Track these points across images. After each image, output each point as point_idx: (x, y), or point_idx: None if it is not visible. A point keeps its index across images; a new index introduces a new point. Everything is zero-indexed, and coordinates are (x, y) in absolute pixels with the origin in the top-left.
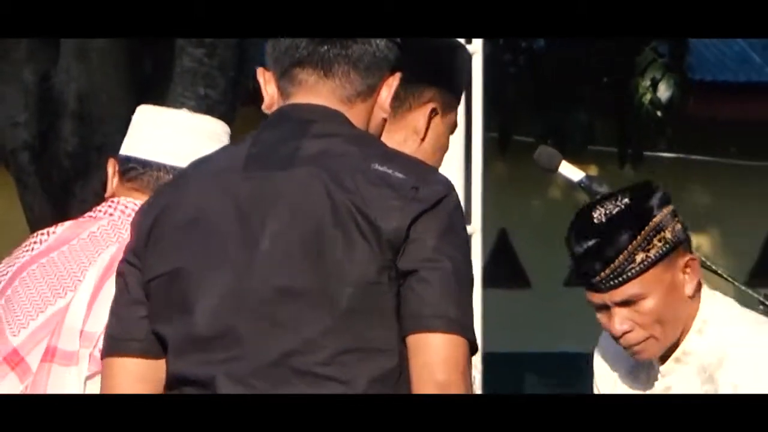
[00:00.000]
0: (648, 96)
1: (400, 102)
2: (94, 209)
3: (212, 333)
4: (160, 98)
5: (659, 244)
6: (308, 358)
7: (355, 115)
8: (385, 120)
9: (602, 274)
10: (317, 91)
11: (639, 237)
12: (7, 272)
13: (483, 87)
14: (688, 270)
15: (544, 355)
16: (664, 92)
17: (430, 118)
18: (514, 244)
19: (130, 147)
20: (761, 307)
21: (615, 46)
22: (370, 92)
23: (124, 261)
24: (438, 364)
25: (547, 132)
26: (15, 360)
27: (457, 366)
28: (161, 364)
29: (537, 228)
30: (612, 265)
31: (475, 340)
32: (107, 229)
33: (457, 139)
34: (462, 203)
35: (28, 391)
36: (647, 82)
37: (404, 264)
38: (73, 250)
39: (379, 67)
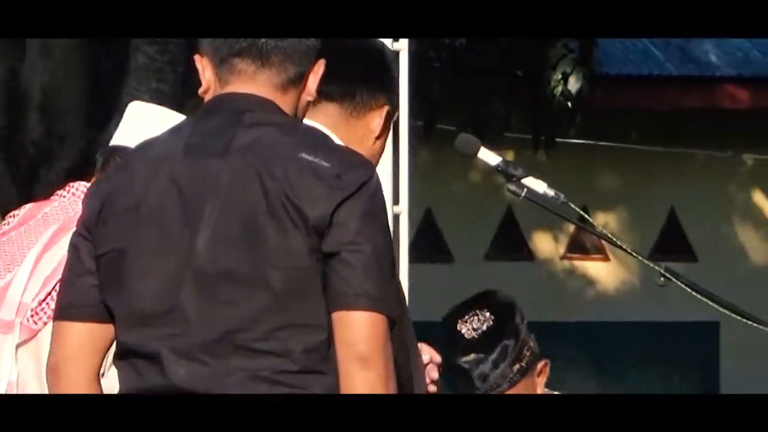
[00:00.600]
0: (559, 88)
1: (361, 102)
2: (55, 192)
3: (158, 310)
4: (116, 92)
5: (528, 354)
6: (247, 335)
7: (287, 100)
8: (309, 103)
9: (482, 387)
10: (254, 80)
11: (514, 352)
12: None
13: (409, 80)
14: (542, 374)
15: None
16: (573, 84)
17: (385, 120)
18: (438, 223)
19: (120, 138)
20: (662, 279)
21: (529, 43)
22: (300, 79)
23: (78, 234)
24: (360, 339)
25: (467, 121)
26: None
27: (377, 340)
28: (110, 328)
29: (459, 208)
30: (490, 380)
31: (394, 315)
32: (57, 210)
33: None
34: (391, 186)
35: None
36: (558, 76)
37: (328, 247)
38: (28, 230)
39: (309, 56)
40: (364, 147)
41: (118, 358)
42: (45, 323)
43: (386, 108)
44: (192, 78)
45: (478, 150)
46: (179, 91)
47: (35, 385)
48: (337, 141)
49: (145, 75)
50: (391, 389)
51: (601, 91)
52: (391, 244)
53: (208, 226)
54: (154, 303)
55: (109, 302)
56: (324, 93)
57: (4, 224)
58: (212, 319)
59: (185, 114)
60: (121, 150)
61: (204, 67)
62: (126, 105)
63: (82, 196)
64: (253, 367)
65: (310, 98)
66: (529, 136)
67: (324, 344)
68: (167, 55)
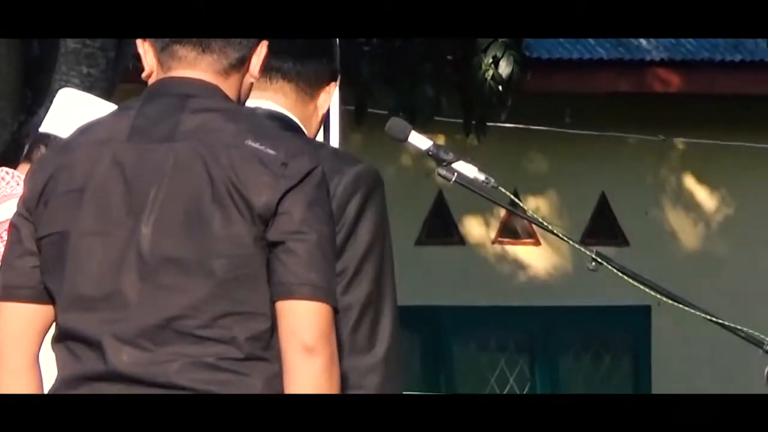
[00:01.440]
0: (490, 72)
1: (314, 80)
2: None
3: (99, 294)
4: (47, 76)
5: None
6: (190, 322)
7: (230, 84)
8: (252, 85)
9: None
10: (196, 65)
11: None
12: None
13: (340, 65)
14: None
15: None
16: (504, 68)
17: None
18: None
19: (48, 125)
20: (593, 263)
21: None
22: (242, 63)
23: (18, 214)
24: (304, 328)
25: (398, 105)
26: None
27: (321, 329)
28: (51, 309)
29: (390, 192)
30: None
31: (337, 305)
32: None
33: None
34: None
35: None
36: (489, 60)
37: (273, 236)
38: None
39: (249, 40)
40: (313, 124)
41: (56, 341)
42: None
43: (333, 84)
44: (122, 63)
45: (408, 134)
46: (110, 76)
47: None
48: (297, 122)
49: (75, 60)
50: (335, 379)
51: (532, 75)
52: (335, 234)
53: (153, 212)
54: (95, 286)
55: (50, 284)
56: (280, 71)
57: None
58: (154, 305)
59: (115, 99)
60: (47, 137)
61: (146, 51)
62: (57, 90)
63: (11, 182)
64: (197, 353)
65: (253, 80)
66: (460, 120)
67: (267, 332)
68: (98, 41)
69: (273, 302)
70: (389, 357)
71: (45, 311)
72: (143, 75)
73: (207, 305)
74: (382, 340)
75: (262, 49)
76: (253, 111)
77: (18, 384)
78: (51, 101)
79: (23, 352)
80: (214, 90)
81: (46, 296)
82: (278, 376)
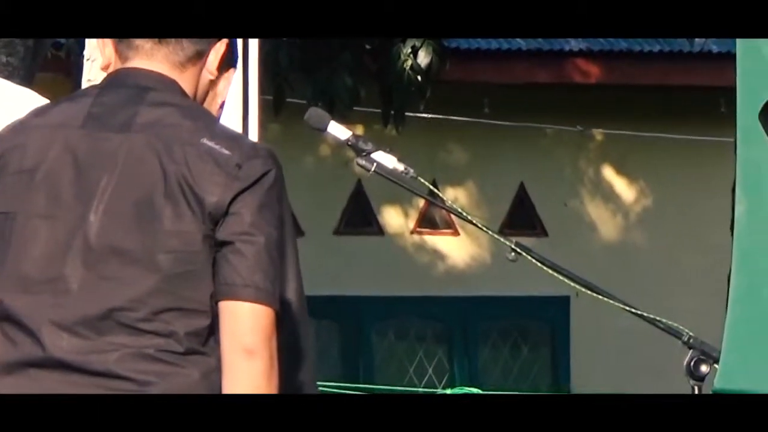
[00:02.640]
0: (409, 62)
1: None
2: None
3: (41, 278)
4: None
5: None
6: (132, 314)
7: (187, 78)
8: (211, 81)
9: None
10: (153, 56)
11: None
12: None
13: (258, 54)
14: None
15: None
16: (423, 59)
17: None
18: (291, 199)
19: None
20: (512, 253)
21: None
22: (199, 57)
23: None
24: (246, 330)
25: (317, 95)
26: None
27: (263, 332)
28: None
29: (309, 182)
30: None
31: (278, 308)
32: None
33: (234, 101)
34: None
35: None
36: (408, 50)
37: (222, 235)
38: None
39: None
40: (211, 109)
41: None
42: None
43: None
44: (41, 52)
45: (328, 124)
46: (29, 64)
47: None
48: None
49: None
50: (274, 382)
51: (451, 64)
52: (283, 238)
53: (102, 201)
54: (37, 270)
55: None
56: None
57: None
58: (96, 294)
59: (34, 87)
60: None
61: (104, 44)
62: None
63: None
64: (137, 345)
65: (211, 77)
66: (378, 110)
67: (207, 329)
68: None
69: (216, 301)
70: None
71: None
72: (100, 66)
73: (150, 299)
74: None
75: (221, 46)
76: (207, 111)
77: None
78: None
79: None
80: (171, 84)
81: None
82: (215, 370)
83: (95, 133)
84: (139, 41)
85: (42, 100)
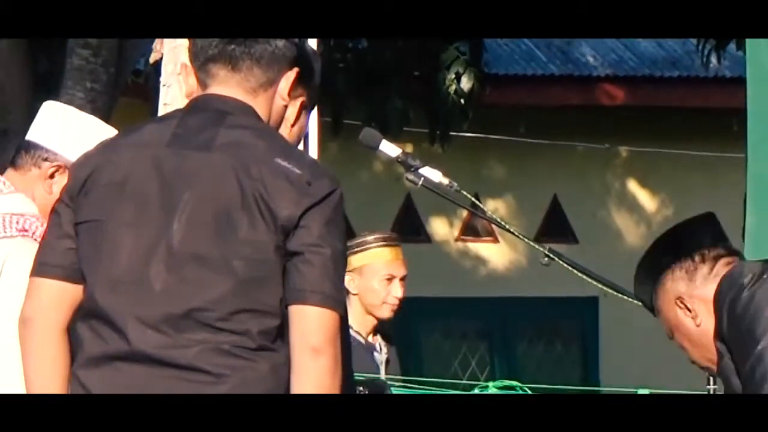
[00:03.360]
0: (453, 87)
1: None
2: None
3: (128, 279)
4: (54, 90)
5: None
6: (210, 314)
7: (260, 103)
8: (285, 106)
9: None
10: (227, 83)
11: None
12: None
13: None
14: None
15: None
16: (465, 83)
17: (299, 110)
18: (348, 210)
19: (31, 134)
20: (546, 258)
21: (425, 46)
22: (270, 84)
23: (60, 201)
24: (313, 331)
25: (371, 117)
26: None
27: (328, 333)
28: (80, 290)
29: (364, 195)
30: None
31: (344, 313)
32: None
33: None
34: None
35: None
36: (452, 76)
37: (293, 246)
38: None
39: (278, 63)
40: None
41: (80, 320)
42: None
43: (300, 100)
44: (122, 79)
45: (380, 143)
46: (111, 90)
47: None
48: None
49: (80, 75)
50: (338, 379)
51: (490, 89)
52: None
53: (185, 211)
54: (124, 272)
55: (84, 267)
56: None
57: None
58: (177, 295)
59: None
60: (27, 144)
61: (187, 74)
62: (64, 103)
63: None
64: (214, 341)
65: (284, 102)
66: (426, 130)
67: (276, 329)
68: (100, 58)
69: (286, 305)
70: None
71: (74, 290)
72: (185, 94)
73: (227, 300)
74: None
75: (291, 74)
76: (279, 133)
77: (44, 353)
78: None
79: (52, 325)
80: (247, 108)
81: (78, 277)
82: (284, 364)
83: (180, 151)
84: (214, 69)
85: (106, 127)
